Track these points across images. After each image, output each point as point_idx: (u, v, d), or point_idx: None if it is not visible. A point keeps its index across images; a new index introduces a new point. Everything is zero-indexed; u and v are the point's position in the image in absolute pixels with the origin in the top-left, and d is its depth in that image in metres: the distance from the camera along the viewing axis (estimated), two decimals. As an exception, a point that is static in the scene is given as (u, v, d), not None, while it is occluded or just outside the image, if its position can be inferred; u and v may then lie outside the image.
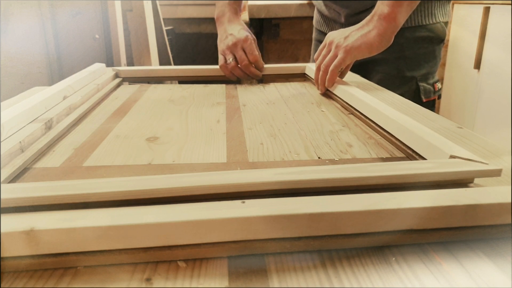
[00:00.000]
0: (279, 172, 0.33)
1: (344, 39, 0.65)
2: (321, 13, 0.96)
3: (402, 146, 0.44)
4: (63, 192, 0.30)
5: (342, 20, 0.88)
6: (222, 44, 0.82)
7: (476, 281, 0.25)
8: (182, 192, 0.31)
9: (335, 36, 0.67)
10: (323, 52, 0.69)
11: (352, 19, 0.85)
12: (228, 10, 0.85)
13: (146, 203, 0.29)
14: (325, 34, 0.85)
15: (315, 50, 0.89)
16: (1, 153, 0.38)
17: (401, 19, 0.63)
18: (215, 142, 0.47)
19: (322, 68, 0.67)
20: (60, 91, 0.59)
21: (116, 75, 0.82)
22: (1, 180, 0.36)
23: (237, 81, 0.84)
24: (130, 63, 1.68)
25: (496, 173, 0.34)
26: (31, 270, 0.26)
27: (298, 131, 0.51)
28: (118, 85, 0.79)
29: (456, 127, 0.47)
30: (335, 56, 0.65)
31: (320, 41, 0.94)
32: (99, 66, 0.80)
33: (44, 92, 0.57)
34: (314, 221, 0.27)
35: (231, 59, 0.80)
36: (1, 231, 0.24)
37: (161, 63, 1.84)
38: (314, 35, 1.02)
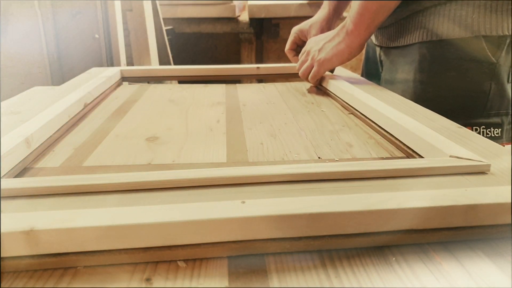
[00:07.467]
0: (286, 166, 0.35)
1: (318, 52, 0.70)
2: None
3: (402, 146, 0.44)
4: (64, 183, 0.30)
5: None
6: None
7: (476, 281, 0.25)
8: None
9: (312, 46, 0.73)
10: (302, 58, 0.74)
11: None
12: None
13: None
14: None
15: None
16: (1, 153, 0.38)
17: (367, 35, 0.67)
18: (215, 142, 0.47)
19: (300, 76, 0.74)
20: (81, 99, 0.58)
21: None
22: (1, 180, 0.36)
23: (237, 81, 0.84)
24: (129, 63, 1.68)
25: (485, 168, 0.35)
26: (31, 270, 0.26)
27: (298, 131, 0.51)
28: (118, 85, 0.79)
29: (456, 127, 0.47)
30: (311, 67, 0.72)
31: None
32: (114, 70, 0.80)
33: (66, 100, 0.56)
34: (314, 221, 0.27)
35: None
36: (1, 231, 0.24)
37: (160, 63, 1.84)
38: None
